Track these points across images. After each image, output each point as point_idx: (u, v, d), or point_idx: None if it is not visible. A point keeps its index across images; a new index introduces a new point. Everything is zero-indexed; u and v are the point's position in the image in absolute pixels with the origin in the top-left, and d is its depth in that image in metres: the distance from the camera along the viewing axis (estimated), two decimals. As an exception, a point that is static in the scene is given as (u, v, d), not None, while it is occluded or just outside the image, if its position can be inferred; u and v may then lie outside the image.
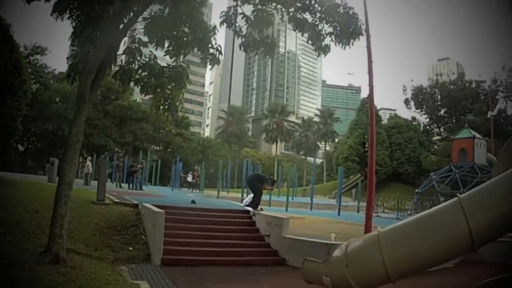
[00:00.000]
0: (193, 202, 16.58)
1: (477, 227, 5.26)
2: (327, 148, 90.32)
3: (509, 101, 61.24)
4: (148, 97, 10.44)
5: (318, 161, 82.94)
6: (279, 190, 37.72)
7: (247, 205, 15.18)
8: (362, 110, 64.64)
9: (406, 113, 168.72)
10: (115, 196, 15.54)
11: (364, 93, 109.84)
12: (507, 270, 6.81)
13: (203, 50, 9.36)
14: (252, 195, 15.85)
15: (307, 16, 9.23)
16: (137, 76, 9.79)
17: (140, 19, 9.19)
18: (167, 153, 70.91)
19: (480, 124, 51.06)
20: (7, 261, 6.74)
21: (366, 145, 59.98)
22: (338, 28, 9.31)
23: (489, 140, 38.56)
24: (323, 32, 9.48)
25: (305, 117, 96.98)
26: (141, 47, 9.66)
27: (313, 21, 9.37)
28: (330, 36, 9.44)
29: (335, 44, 9.51)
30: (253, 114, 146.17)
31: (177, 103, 10.24)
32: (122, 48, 9.87)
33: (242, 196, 23.50)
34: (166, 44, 9.67)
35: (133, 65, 9.72)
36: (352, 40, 9.39)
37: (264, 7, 9.22)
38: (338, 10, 9.20)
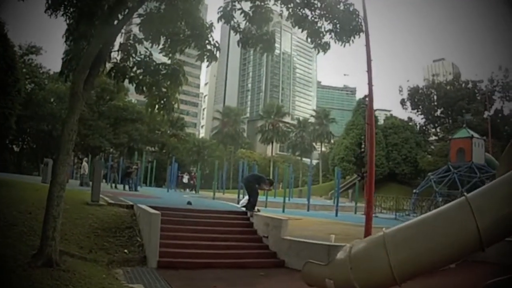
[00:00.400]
0: (189, 203, 16.36)
1: (486, 226, 5.20)
2: (323, 149, 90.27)
3: (506, 101, 61.38)
4: (143, 97, 10.23)
5: (314, 162, 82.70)
6: (275, 191, 37.56)
7: (243, 206, 14.97)
8: (358, 111, 64.70)
9: (401, 114, 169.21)
10: (110, 197, 15.30)
11: (360, 94, 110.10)
12: (511, 270, 6.71)
13: (200, 46, 9.16)
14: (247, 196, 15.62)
15: (307, 12, 9.05)
16: (132, 74, 9.56)
17: (135, 15, 8.98)
18: (162, 154, 70.84)
19: (477, 124, 51.02)
20: (-1, 264, 6.52)
21: (363, 146, 60.14)
22: (338, 25, 9.17)
23: (486, 140, 38.50)
24: (323, 30, 9.33)
25: (301, 118, 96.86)
26: (137, 44, 9.45)
27: (313, 18, 9.20)
28: (329, 34, 9.30)
29: (335, 42, 9.38)
30: (248, 115, 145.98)
31: (173, 102, 10.02)
32: (117, 45, 9.68)
33: (238, 197, 23.30)
34: (162, 41, 9.47)
35: (128, 62, 9.51)
36: (352, 38, 9.26)
37: (263, 3, 9.04)
38: (338, 6, 9.06)
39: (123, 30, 9.40)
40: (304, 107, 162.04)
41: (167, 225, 10.84)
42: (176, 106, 10.30)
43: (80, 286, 6.45)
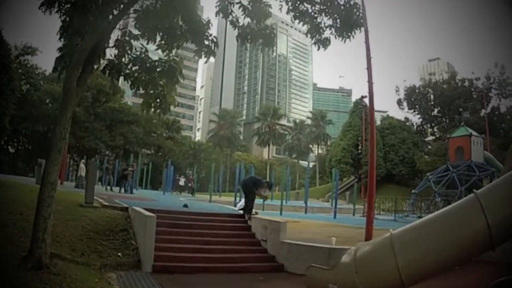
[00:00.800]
0: (185, 206, 16.09)
1: (496, 223, 5.06)
2: (320, 151, 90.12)
3: (503, 98, 61.51)
4: (139, 98, 9.97)
5: (311, 164, 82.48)
6: (272, 194, 37.35)
7: (241, 209, 14.68)
8: (355, 112, 64.74)
9: (398, 114, 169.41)
10: (104, 199, 15.01)
11: (355, 96, 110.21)
12: None
13: (198, 42, 8.89)
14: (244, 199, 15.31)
15: (307, 6, 8.83)
16: (128, 71, 9.30)
17: (131, 11, 8.72)
18: (158, 157, 70.50)
19: (474, 122, 50.99)
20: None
21: (360, 147, 60.14)
22: (338, 20, 8.97)
23: (484, 137, 38.44)
24: (323, 25, 9.11)
25: (297, 120, 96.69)
26: (132, 40, 9.18)
27: (313, 13, 8.97)
28: (330, 29, 9.09)
29: (335, 37, 9.19)
30: (244, 117, 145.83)
31: (169, 101, 9.74)
32: (112, 42, 9.41)
33: (235, 200, 23.07)
34: (158, 38, 9.21)
35: (124, 59, 9.24)
36: (352, 33, 9.06)
37: (262, -3, 8.82)
38: (339, 1, 8.85)
39: (118, 27, 9.15)
40: (300, 109, 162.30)
41: (162, 228, 10.56)
42: (172, 105, 10.02)
43: (71, 290, 6.17)
